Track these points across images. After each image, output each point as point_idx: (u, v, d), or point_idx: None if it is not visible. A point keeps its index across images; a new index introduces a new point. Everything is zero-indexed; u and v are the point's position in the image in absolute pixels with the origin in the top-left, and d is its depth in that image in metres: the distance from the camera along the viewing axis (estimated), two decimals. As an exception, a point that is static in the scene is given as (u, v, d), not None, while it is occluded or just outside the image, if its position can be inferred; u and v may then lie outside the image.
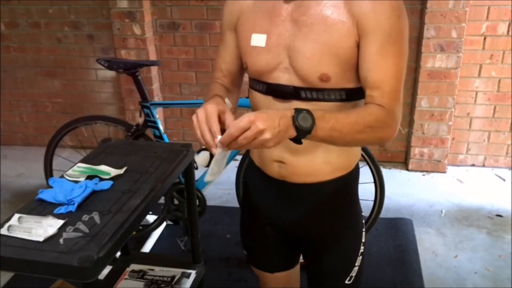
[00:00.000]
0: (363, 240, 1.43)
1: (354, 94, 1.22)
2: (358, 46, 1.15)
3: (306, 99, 1.21)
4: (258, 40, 1.23)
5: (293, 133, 1.05)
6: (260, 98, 1.29)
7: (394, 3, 1.12)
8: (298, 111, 1.06)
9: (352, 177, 1.37)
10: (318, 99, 1.20)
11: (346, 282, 1.42)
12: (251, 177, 1.48)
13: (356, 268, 1.42)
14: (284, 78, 1.22)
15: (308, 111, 1.06)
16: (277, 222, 1.42)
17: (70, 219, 1.19)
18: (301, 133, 1.06)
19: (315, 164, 1.29)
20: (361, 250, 1.42)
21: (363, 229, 1.43)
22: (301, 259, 1.56)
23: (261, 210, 1.44)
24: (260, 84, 1.28)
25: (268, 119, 1.02)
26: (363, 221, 1.44)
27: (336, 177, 1.33)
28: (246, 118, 1.01)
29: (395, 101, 1.16)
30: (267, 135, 1.01)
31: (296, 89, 1.21)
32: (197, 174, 2.20)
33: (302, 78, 1.19)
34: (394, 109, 1.16)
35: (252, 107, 1.35)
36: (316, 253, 1.43)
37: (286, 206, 1.37)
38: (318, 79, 1.18)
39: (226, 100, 1.29)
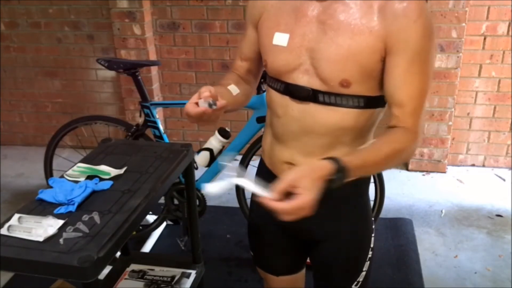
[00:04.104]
0: (371, 246, 1.41)
1: (372, 103, 1.21)
2: (383, 61, 1.14)
3: (323, 103, 1.20)
4: (280, 39, 1.21)
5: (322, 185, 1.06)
6: (277, 97, 1.28)
7: (427, 22, 1.11)
8: (338, 172, 1.05)
9: (362, 181, 1.35)
10: (335, 104, 1.19)
11: (353, 287, 1.41)
12: (260, 177, 1.46)
13: (363, 273, 1.41)
14: (303, 79, 1.21)
15: (344, 170, 1.05)
16: (285, 224, 1.39)
17: (70, 219, 1.19)
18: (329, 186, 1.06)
19: None
20: (369, 255, 1.41)
21: (372, 234, 1.41)
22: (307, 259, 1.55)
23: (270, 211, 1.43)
24: (278, 83, 1.27)
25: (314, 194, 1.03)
26: (373, 226, 1.42)
27: (348, 181, 1.31)
28: (302, 200, 1.02)
29: (419, 118, 1.17)
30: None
31: (315, 92, 1.20)
32: (197, 174, 2.21)
33: (323, 81, 1.18)
34: (417, 127, 1.17)
35: (268, 105, 1.35)
36: (324, 256, 1.41)
37: None
38: (338, 84, 1.16)
39: (232, 86, 1.29)
